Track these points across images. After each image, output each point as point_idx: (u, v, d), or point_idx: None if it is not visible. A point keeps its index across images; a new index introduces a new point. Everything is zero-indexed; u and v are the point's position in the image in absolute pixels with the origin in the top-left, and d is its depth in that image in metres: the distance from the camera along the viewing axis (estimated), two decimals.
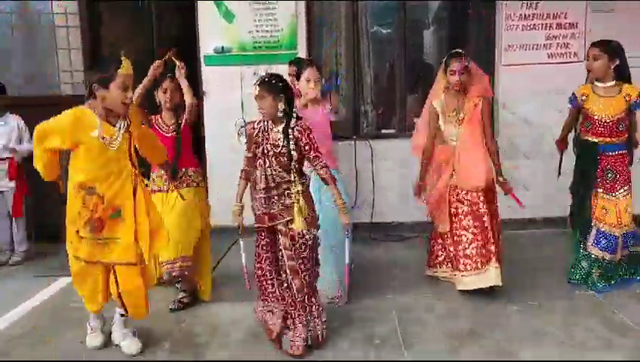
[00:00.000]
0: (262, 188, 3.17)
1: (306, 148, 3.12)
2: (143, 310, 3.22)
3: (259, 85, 3.11)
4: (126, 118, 3.09)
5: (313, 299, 3.25)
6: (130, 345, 3.28)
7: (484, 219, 3.84)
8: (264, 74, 3.32)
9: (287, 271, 3.17)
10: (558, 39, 5.39)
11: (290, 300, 3.22)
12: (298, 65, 4.24)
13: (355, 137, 5.57)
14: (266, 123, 3.20)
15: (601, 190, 3.93)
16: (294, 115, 3.17)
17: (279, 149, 3.11)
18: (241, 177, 3.32)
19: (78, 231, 3.05)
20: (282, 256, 3.18)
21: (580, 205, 4.05)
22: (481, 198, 3.88)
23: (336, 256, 3.70)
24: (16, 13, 5.34)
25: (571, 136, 4.20)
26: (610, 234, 3.89)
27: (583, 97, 3.90)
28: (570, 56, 5.39)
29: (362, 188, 5.55)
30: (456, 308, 3.76)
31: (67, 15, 5.37)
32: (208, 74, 5.48)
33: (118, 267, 3.10)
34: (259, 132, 3.20)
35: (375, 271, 4.40)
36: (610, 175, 3.90)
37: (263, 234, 3.26)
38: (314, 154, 3.13)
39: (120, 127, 3.05)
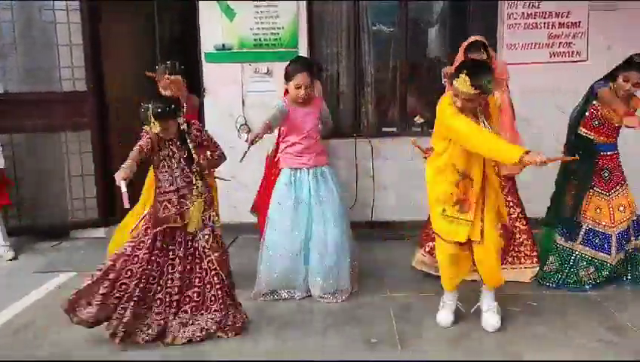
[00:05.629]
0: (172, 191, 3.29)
1: (205, 143, 3.41)
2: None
3: (163, 119, 3.13)
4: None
5: None
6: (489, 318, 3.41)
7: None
8: (152, 105, 3.12)
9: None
10: (561, 38, 5.37)
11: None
12: (291, 66, 3.88)
13: (355, 135, 5.55)
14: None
15: (598, 189, 3.96)
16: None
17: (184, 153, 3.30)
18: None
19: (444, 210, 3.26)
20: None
21: (563, 202, 4.05)
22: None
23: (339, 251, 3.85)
24: (17, 8, 5.30)
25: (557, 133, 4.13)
26: (604, 233, 3.92)
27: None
28: (572, 55, 5.37)
29: (362, 186, 5.54)
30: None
31: (68, 11, 5.36)
32: (209, 71, 5.48)
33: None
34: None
35: (373, 270, 4.38)
36: (606, 174, 3.95)
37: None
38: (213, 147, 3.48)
39: None
